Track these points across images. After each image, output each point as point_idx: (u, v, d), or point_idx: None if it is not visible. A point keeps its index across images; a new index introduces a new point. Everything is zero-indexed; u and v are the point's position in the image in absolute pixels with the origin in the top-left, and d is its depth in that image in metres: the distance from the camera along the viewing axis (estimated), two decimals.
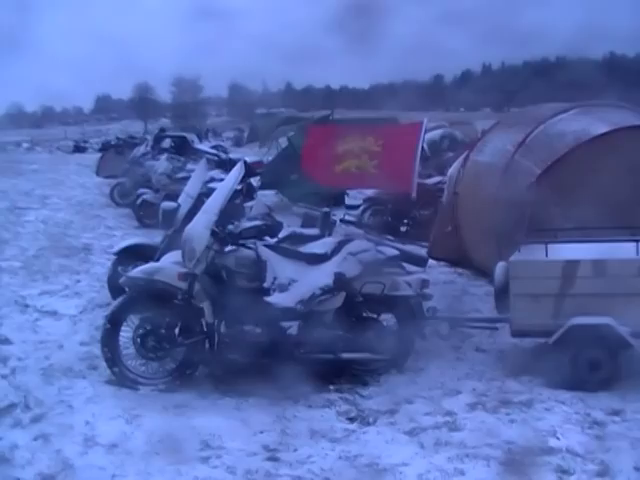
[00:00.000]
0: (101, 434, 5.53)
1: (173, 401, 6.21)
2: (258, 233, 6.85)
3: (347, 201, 15.98)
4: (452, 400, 6.23)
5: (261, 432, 5.67)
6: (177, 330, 6.43)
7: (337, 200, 15.53)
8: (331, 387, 6.54)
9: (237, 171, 6.97)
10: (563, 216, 8.04)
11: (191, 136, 29.71)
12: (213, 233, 6.46)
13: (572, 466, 4.93)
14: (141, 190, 16.75)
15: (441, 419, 5.81)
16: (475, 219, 10.05)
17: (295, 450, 5.37)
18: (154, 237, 9.97)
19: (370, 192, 14.52)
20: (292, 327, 6.57)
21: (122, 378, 6.53)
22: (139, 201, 16.12)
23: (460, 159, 11.65)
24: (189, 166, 17.02)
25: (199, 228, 6.51)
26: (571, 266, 6.48)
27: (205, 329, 6.44)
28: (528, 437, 5.37)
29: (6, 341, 7.70)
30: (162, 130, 32.18)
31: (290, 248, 7.21)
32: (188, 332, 6.45)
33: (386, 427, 5.73)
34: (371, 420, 5.89)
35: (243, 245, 6.67)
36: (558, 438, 5.37)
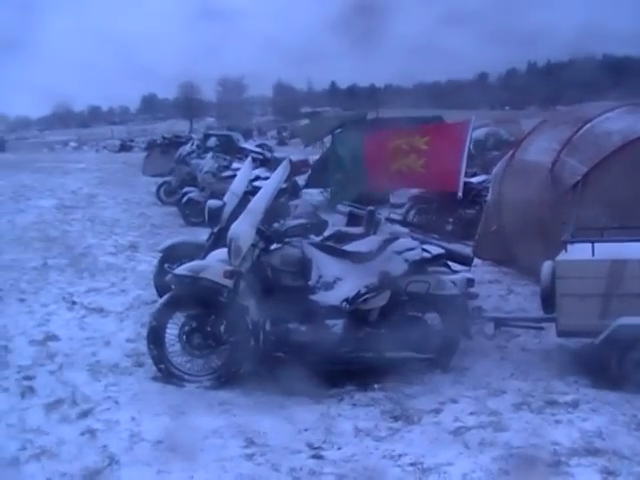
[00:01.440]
0: (146, 430, 5.55)
1: (218, 398, 6.23)
2: (303, 231, 6.86)
3: (392, 200, 15.95)
4: (497, 400, 6.16)
5: (305, 430, 5.66)
6: (222, 328, 6.47)
7: (382, 199, 15.53)
8: (375, 386, 6.49)
9: (282, 170, 6.98)
10: (610, 215, 7.95)
11: (236, 135, 29.86)
12: (259, 231, 6.48)
13: (618, 468, 4.84)
14: (187, 189, 16.89)
15: (486, 419, 5.75)
16: (521, 218, 9.95)
17: (339, 448, 5.34)
18: (199, 235, 10.04)
19: (415, 191, 14.48)
20: (337, 325, 6.57)
21: (168, 375, 6.57)
22: (185, 199, 16.25)
23: (505, 158, 11.54)
24: (234, 165, 17.12)
25: (245, 226, 6.52)
26: (618, 266, 6.40)
27: (250, 327, 6.43)
28: (574, 438, 5.30)
29: (54, 337, 7.79)
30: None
31: (335, 246, 7.20)
32: (233, 330, 6.47)
33: (430, 426, 5.68)
34: (415, 419, 5.83)
35: (288, 243, 6.68)
36: (604, 439, 5.28)
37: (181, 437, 5.49)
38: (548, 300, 6.87)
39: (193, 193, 16.26)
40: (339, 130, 19.66)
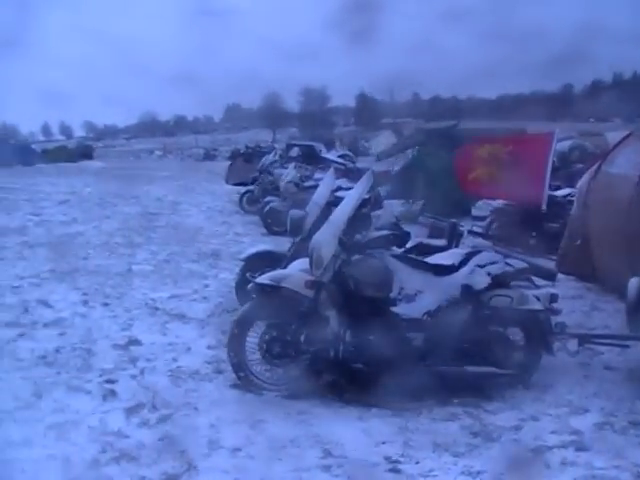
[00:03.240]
0: (225, 437, 5.59)
1: (296, 408, 6.23)
2: (386, 243, 6.83)
3: (474, 212, 15.81)
4: (579, 419, 6.04)
5: (383, 443, 5.62)
6: (302, 337, 6.46)
7: (463, 211, 15.41)
8: (455, 400, 6.42)
9: (366, 180, 6.96)
10: None
11: (319, 145, 29.95)
12: (341, 242, 6.46)
13: None
14: (269, 198, 17.01)
15: (567, 438, 5.64)
16: (606, 232, 9.77)
17: (417, 463, 5.29)
18: (281, 244, 10.08)
19: (497, 203, 14.33)
20: (417, 338, 6.52)
21: (247, 383, 6.60)
22: (267, 209, 16.37)
23: (590, 171, 11.33)
24: (316, 175, 17.17)
25: (327, 236, 6.52)
26: None
27: (330, 337, 6.42)
28: None
29: (136, 342, 7.90)
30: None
31: (417, 258, 7.15)
32: (313, 340, 6.45)
33: (510, 444, 5.59)
34: (495, 436, 5.75)
35: (370, 254, 6.66)
36: None
37: (259, 445, 5.49)
38: (634, 317, 6.70)
39: (275, 202, 16.37)
40: (423, 141, 19.60)
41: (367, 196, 7.30)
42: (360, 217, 6.84)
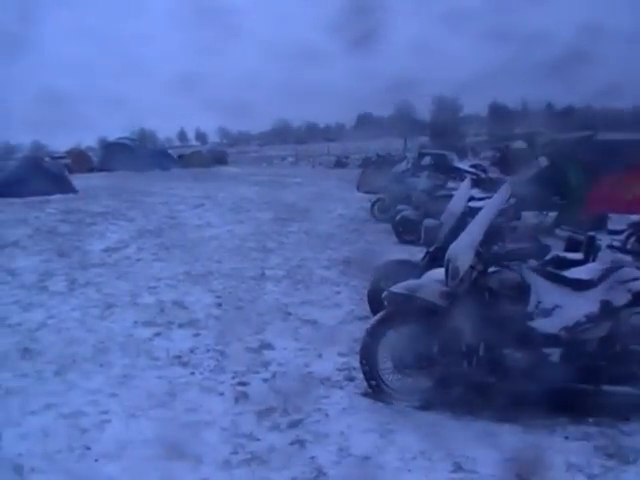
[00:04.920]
0: (355, 445, 5.60)
1: (427, 419, 6.17)
2: (524, 255, 6.68)
3: (610, 226, 15.35)
4: None
5: (515, 460, 5.48)
6: (435, 348, 6.40)
7: (599, 224, 14.97)
8: (590, 420, 6.21)
9: (504, 191, 6.85)
10: None
11: (451, 154, 29.69)
12: (477, 253, 6.36)
13: None
14: (401, 206, 16.93)
15: None
16: None
17: None
18: (413, 253, 10.04)
19: (636, 217, 13.89)
20: (554, 354, 6.34)
21: (378, 392, 6.58)
22: (398, 217, 16.30)
23: None
24: (449, 184, 17.02)
25: (464, 247, 6.44)
26: None
27: (464, 349, 6.33)
28: None
29: (269, 346, 8.01)
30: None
31: (555, 272, 6.97)
32: (446, 351, 6.37)
33: None
34: (631, 459, 5.53)
35: (507, 267, 6.53)
36: None
37: (389, 455, 5.46)
38: None
39: (407, 211, 16.30)
40: (557, 152, 19.15)
41: (504, 207, 7.17)
42: (497, 228, 6.72)
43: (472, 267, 6.35)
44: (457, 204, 8.82)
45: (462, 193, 9.24)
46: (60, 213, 18.05)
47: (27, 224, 16.08)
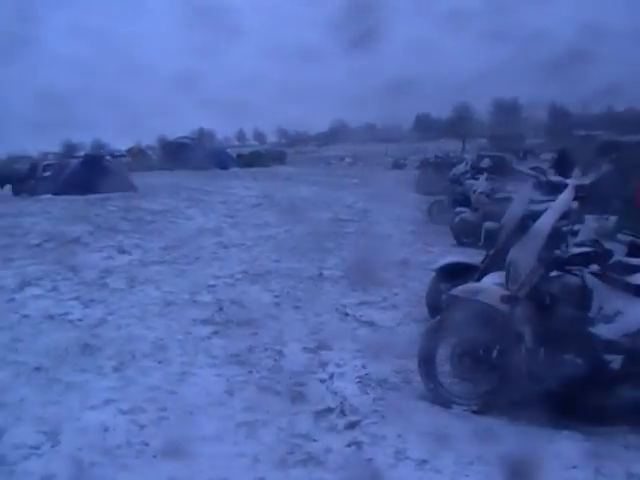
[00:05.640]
0: (412, 448, 5.54)
1: (484, 424, 6.09)
2: (586, 260, 6.57)
3: None
4: None
5: (574, 467, 5.39)
6: (495, 353, 6.33)
7: None
8: None
9: (567, 195, 6.75)
10: None
11: (510, 157, 29.50)
12: (539, 257, 6.27)
13: None
14: (459, 208, 16.85)
15: None
16: None
17: None
18: (471, 256, 9.95)
19: None
20: (615, 361, 6.23)
21: (436, 395, 6.53)
22: (457, 219, 16.21)
23: None
24: (508, 187, 16.87)
25: (526, 251, 6.36)
26: None
27: (523, 354, 6.24)
28: None
29: (326, 347, 8.00)
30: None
31: (618, 278, 6.85)
32: (505, 356, 6.30)
33: None
34: None
35: (569, 271, 6.44)
36: None
37: (446, 460, 5.41)
38: None
39: (466, 213, 16.21)
40: (619, 155, 18.88)
41: (567, 210, 7.06)
42: (559, 232, 6.63)
43: (533, 271, 6.27)
44: (518, 207, 8.72)
45: (523, 196, 9.14)
46: (120, 211, 18.30)
47: (88, 221, 16.32)
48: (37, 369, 7.28)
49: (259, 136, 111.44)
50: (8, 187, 30.13)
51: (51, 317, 9.05)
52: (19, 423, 5.99)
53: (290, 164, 55.23)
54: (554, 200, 6.92)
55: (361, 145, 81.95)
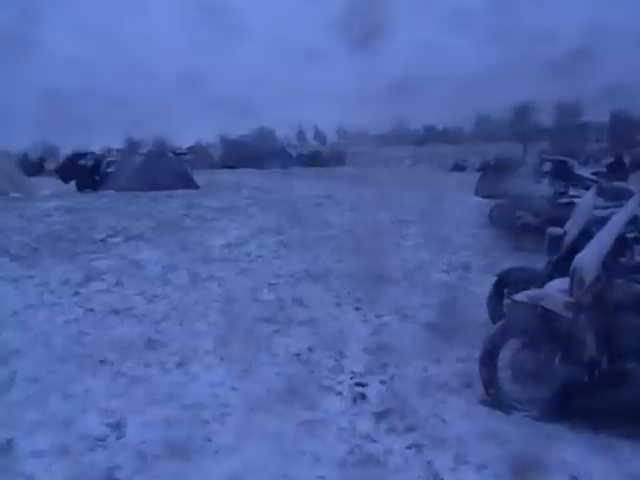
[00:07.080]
0: (472, 453, 5.56)
1: (545, 430, 6.07)
2: None
3: None
4: None
5: (634, 476, 5.38)
6: (557, 359, 6.30)
7: None
8: None
9: (634, 201, 6.69)
10: None
11: (572, 161, 29.16)
12: (604, 264, 6.22)
13: None
14: (520, 213, 16.68)
15: None
16: None
17: None
18: (532, 261, 9.88)
19: None
20: None
21: (496, 400, 6.53)
22: (518, 223, 16.07)
23: None
24: (570, 191, 16.69)
25: (591, 258, 6.32)
26: None
27: (586, 361, 6.20)
28: None
29: (386, 348, 8.03)
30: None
31: None
32: (568, 362, 6.27)
33: None
34: None
35: (635, 279, 6.38)
36: None
37: (505, 465, 5.41)
38: None
39: (527, 218, 16.05)
40: None
41: (633, 217, 6.99)
42: (626, 239, 6.57)
43: (598, 278, 6.23)
44: (582, 213, 8.63)
45: (587, 201, 9.03)
46: (182, 207, 18.53)
47: (152, 217, 16.58)
48: (102, 362, 7.46)
49: (319, 136, 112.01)
50: (72, 183, 30.57)
51: (116, 311, 9.24)
52: (85, 415, 6.15)
53: (350, 164, 55.37)
54: (618, 206, 6.86)
55: (420, 146, 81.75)
